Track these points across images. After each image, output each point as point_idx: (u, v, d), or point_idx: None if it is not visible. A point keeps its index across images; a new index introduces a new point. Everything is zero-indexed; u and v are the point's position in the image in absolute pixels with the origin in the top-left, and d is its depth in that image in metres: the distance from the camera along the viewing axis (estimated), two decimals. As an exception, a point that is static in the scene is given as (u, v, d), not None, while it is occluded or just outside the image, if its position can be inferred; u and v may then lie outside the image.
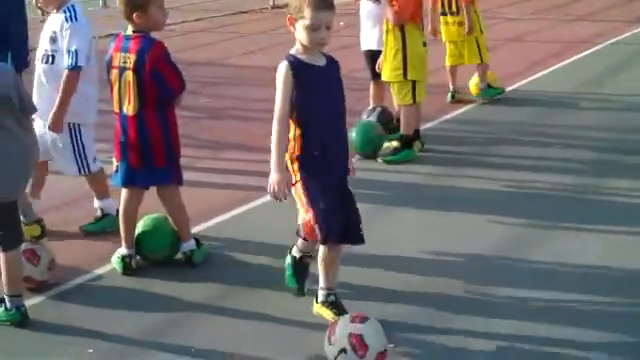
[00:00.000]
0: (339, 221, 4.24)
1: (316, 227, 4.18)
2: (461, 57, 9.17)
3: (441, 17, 9.12)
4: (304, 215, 4.26)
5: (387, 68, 7.25)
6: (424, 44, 7.23)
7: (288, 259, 4.60)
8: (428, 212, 6.10)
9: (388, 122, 7.71)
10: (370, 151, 7.26)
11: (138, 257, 5.25)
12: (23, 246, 4.84)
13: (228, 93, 10.28)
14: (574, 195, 6.43)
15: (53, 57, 5.52)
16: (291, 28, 4.20)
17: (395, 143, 7.43)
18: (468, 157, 7.41)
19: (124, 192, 5.19)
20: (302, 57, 4.19)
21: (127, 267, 5.17)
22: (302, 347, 4.26)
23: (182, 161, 5.31)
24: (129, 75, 4.94)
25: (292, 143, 4.23)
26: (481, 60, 9.09)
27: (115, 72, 5.02)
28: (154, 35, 5.07)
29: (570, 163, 7.16)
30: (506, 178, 6.78)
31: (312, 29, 4.09)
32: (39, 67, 5.60)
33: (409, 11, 7.05)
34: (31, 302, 4.76)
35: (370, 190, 6.22)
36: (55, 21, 5.54)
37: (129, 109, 5.00)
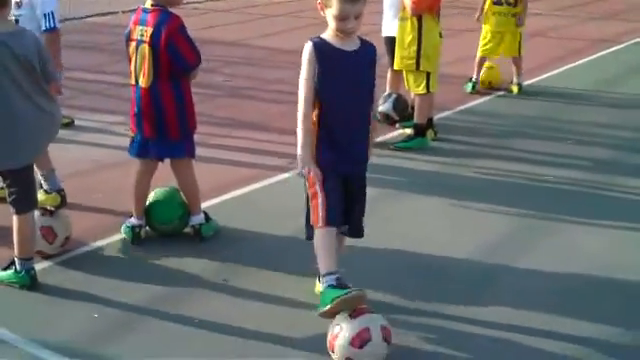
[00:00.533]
0: (341, 209, 4.23)
1: (321, 210, 4.14)
2: (494, 51, 9.28)
3: (494, 6, 9.19)
4: (310, 200, 4.23)
5: (399, 55, 7.29)
6: (440, 35, 7.26)
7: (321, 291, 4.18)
8: (436, 199, 6.13)
9: (404, 109, 7.75)
10: None
11: (147, 228, 5.34)
12: (43, 221, 4.95)
13: (245, 73, 10.33)
14: (584, 190, 6.45)
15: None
16: (321, 12, 4.15)
17: (409, 130, 7.47)
18: (481, 148, 7.43)
19: (137, 163, 5.27)
20: (330, 40, 4.16)
21: (136, 237, 5.26)
22: (304, 324, 4.31)
23: (196, 137, 5.36)
24: (145, 48, 4.99)
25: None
26: (519, 53, 9.25)
27: (133, 45, 5.08)
28: (173, 10, 5.11)
29: (582, 159, 7.17)
30: (516, 170, 6.81)
31: (340, 19, 4.06)
32: None
33: (427, 3, 7.07)
34: (40, 266, 4.86)
35: (381, 175, 6.28)
36: None
37: (143, 81, 5.06)
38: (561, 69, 10.79)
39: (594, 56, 11.67)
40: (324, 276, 4.12)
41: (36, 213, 4.88)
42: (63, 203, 5.16)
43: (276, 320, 4.38)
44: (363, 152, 4.34)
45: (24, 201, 4.63)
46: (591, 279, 4.91)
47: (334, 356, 3.95)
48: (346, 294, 3.96)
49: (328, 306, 3.98)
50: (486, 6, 9.27)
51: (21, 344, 4.14)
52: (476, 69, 9.37)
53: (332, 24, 4.12)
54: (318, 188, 4.16)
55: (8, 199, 4.62)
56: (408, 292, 4.69)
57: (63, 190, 5.17)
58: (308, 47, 4.14)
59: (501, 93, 9.35)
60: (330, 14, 4.09)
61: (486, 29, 9.31)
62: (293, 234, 5.35)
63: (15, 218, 4.62)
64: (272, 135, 7.59)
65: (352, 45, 4.21)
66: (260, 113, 8.37)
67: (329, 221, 4.15)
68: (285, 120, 7.85)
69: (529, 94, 9.35)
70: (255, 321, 4.36)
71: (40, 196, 5.08)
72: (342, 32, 4.12)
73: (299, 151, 4.19)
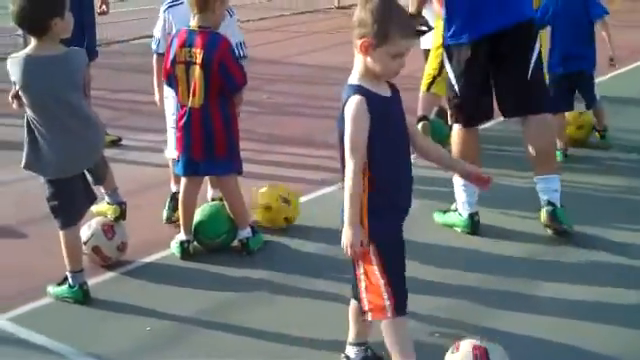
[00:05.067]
0: (405, 288, 3.76)
1: (386, 299, 3.63)
2: None
3: None
4: (365, 286, 3.69)
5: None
6: None
7: None
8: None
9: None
10: None
11: (195, 243, 5.47)
12: (105, 220, 5.22)
13: (288, 90, 10.49)
14: (613, 195, 6.51)
15: None
16: (362, 54, 3.54)
17: None
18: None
19: (184, 181, 5.41)
20: (369, 87, 3.58)
21: (185, 252, 5.39)
22: (347, 331, 4.39)
23: (242, 154, 5.49)
24: (196, 69, 5.10)
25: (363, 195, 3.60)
26: None
27: (181, 67, 5.17)
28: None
29: (616, 164, 7.26)
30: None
31: (400, 56, 3.54)
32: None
33: None
34: (93, 281, 5.02)
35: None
36: None
37: (194, 102, 5.18)
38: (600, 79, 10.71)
39: (633, 65, 11.59)
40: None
41: (99, 218, 5.18)
42: (122, 216, 5.29)
43: (321, 326, 4.46)
44: (410, 199, 3.82)
45: (67, 214, 4.76)
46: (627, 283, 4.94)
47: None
48: None
49: None
50: None
51: (75, 357, 4.28)
52: None
53: (381, 65, 3.53)
54: (377, 271, 3.64)
55: (52, 214, 4.77)
56: (437, 299, 4.80)
57: (124, 204, 5.29)
58: (359, 102, 3.52)
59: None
60: (384, 53, 3.50)
61: None
62: (338, 245, 5.45)
63: (60, 234, 4.78)
64: (316, 150, 7.68)
65: (387, 90, 3.68)
66: (304, 128, 8.50)
67: (399, 311, 3.68)
68: (328, 135, 7.94)
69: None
70: (300, 327, 4.49)
71: (102, 207, 5.28)
72: (391, 73, 3.60)
73: (350, 230, 3.57)
